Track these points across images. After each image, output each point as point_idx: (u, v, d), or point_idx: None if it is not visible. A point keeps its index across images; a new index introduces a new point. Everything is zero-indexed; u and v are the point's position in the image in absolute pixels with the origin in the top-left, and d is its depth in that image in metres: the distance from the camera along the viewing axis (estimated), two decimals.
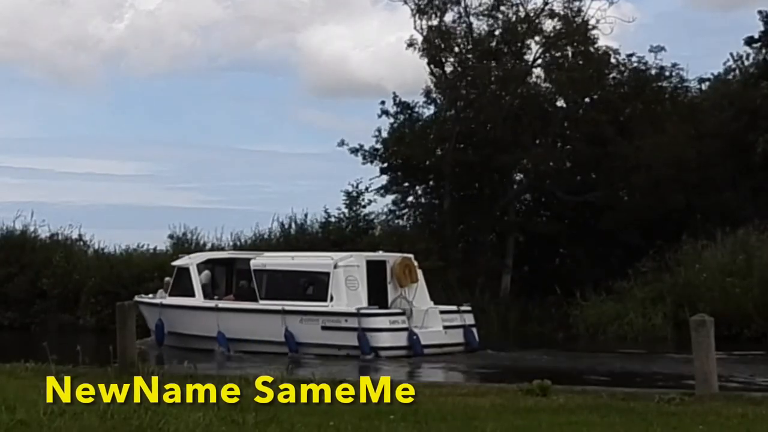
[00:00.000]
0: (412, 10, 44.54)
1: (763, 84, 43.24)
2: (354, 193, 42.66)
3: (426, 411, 11.91)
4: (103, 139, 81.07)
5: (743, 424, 11.70)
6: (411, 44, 44.22)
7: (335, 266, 29.82)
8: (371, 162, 44.66)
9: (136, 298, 32.30)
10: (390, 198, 45.69)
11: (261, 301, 30.63)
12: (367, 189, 43.29)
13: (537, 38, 44.53)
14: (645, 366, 26.96)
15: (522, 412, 12.40)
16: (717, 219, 39.27)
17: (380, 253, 32.31)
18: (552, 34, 44.18)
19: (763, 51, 44.85)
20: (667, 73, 45.05)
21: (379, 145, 44.69)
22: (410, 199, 46.71)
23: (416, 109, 45.64)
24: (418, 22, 44.51)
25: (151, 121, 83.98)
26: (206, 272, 32.90)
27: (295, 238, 42.47)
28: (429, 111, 46.01)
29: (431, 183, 46.30)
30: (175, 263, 33.91)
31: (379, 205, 44.81)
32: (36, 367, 18.11)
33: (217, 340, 30.46)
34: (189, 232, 45.02)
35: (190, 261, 33.27)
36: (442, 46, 44.63)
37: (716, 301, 33.98)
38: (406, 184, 46.03)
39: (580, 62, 43.83)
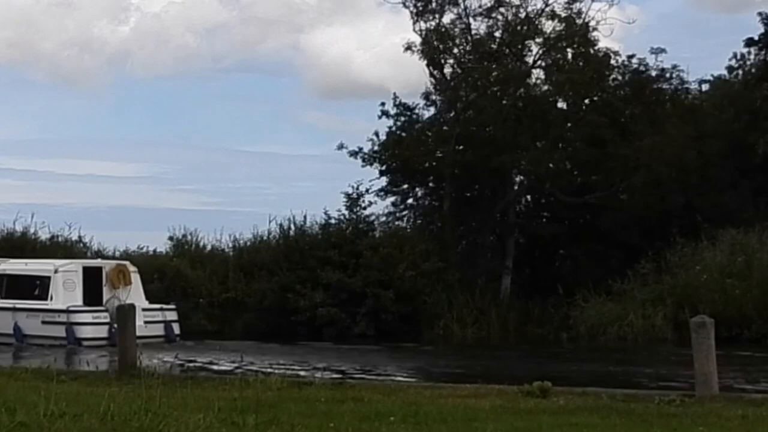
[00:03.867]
0: (411, 12, 44.62)
1: (763, 85, 43.25)
2: (354, 195, 42.66)
3: (426, 413, 11.91)
4: (103, 140, 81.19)
5: (743, 426, 11.70)
6: (408, 47, 44.31)
7: (56, 271, 35.05)
8: (370, 164, 44.68)
9: None
10: (390, 200, 45.77)
11: (1, 301, 35.52)
12: (367, 191, 43.33)
13: (537, 40, 44.55)
14: (645, 367, 26.97)
15: (522, 413, 12.40)
16: (717, 220, 39.27)
17: (98, 260, 38.22)
18: (552, 36, 44.20)
19: (764, 52, 44.88)
20: (668, 75, 45.09)
21: (377, 147, 44.67)
22: (410, 200, 46.76)
23: (416, 111, 45.65)
24: (418, 24, 44.62)
25: (152, 123, 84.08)
26: None
27: (294, 239, 42.48)
28: (429, 113, 46.05)
29: (431, 185, 46.30)
30: None
31: (379, 206, 44.86)
32: (36, 369, 18.12)
33: None
34: (189, 233, 45.14)
35: None
36: (441, 47, 44.65)
37: (716, 303, 34.00)
38: (406, 185, 46.04)
39: (581, 64, 43.85)
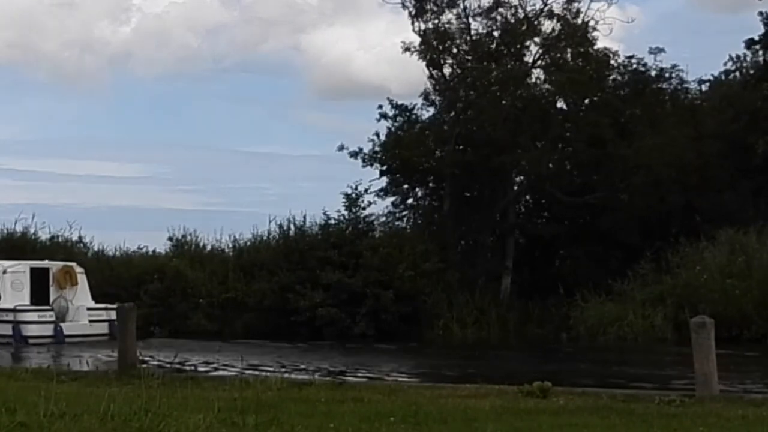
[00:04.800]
0: (410, 12, 44.66)
1: (763, 86, 43.26)
2: (353, 195, 42.65)
3: (426, 413, 11.90)
4: (104, 141, 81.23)
5: (744, 426, 11.68)
6: (407, 48, 44.35)
7: (4, 272, 36.44)
8: (371, 165, 44.70)
9: None
10: (390, 200, 45.78)
11: None
12: (366, 191, 43.32)
13: (536, 39, 44.58)
14: (644, 367, 26.96)
15: (522, 413, 12.38)
16: (717, 220, 39.28)
17: (45, 261, 38.60)
18: (551, 36, 44.21)
19: (763, 53, 44.88)
20: (667, 75, 45.12)
21: (378, 148, 44.69)
22: (410, 200, 46.77)
23: (415, 111, 45.68)
24: (417, 24, 44.66)
25: (153, 123, 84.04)
26: None
27: (294, 240, 42.48)
28: (428, 113, 46.07)
29: (431, 185, 46.30)
30: None
31: (379, 206, 44.88)
32: (36, 369, 18.13)
33: None
34: (188, 234, 45.16)
35: None
36: (440, 48, 44.66)
37: (716, 303, 33.99)
38: (406, 186, 46.04)
39: (579, 63, 43.88)
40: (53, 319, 35.76)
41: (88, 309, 36.77)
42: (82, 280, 37.59)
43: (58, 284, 37.09)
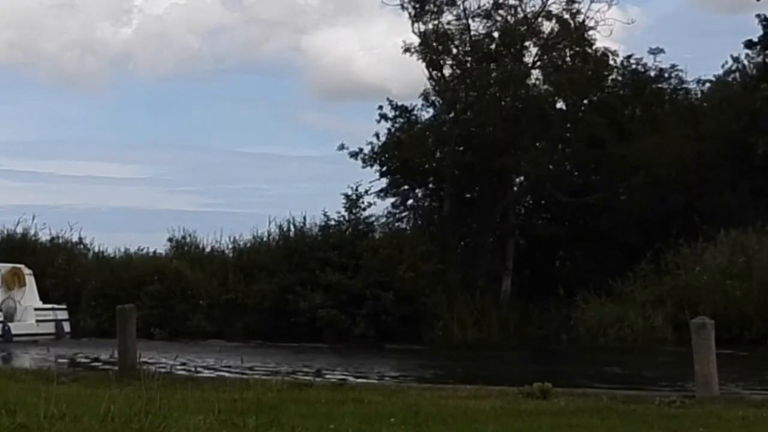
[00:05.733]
0: (410, 13, 44.69)
1: (762, 86, 43.27)
2: (353, 196, 42.65)
3: (426, 414, 11.90)
4: (105, 142, 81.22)
5: (744, 427, 11.68)
6: (407, 49, 44.37)
7: None
8: (371, 165, 44.71)
9: None
10: (390, 201, 45.79)
11: None
12: (366, 192, 43.32)
13: (535, 40, 44.59)
14: (645, 368, 26.96)
15: (522, 414, 12.38)
16: (717, 221, 39.27)
17: None
18: (550, 36, 44.23)
19: (763, 54, 44.90)
20: (666, 75, 45.14)
21: (377, 149, 44.68)
22: (410, 201, 46.77)
23: (414, 112, 45.68)
24: (417, 25, 44.69)
25: (153, 124, 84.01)
26: None
27: (294, 241, 42.49)
28: (428, 114, 46.09)
29: (431, 186, 46.30)
30: None
31: (379, 207, 44.89)
32: (37, 371, 18.12)
33: None
34: (188, 235, 45.18)
35: None
36: (440, 48, 44.68)
37: (717, 304, 33.97)
38: (406, 186, 46.04)
39: (577, 61, 43.90)
40: (1, 319, 36.78)
41: (36, 309, 37.79)
42: (30, 281, 38.47)
43: (7, 285, 37.94)
